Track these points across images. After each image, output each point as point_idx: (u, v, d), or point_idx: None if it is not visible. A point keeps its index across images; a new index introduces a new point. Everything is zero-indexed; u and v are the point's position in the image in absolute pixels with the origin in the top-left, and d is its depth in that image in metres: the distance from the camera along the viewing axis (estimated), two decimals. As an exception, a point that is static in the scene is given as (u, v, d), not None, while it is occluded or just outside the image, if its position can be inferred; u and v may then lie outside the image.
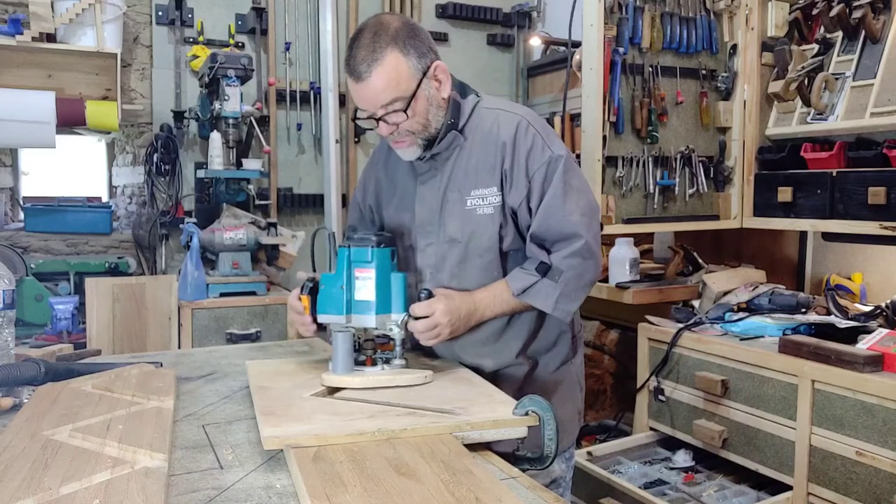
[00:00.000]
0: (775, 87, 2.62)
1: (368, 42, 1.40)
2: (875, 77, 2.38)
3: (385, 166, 1.69)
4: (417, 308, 1.45)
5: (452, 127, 1.51)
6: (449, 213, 1.54)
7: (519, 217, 1.52)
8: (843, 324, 2.20)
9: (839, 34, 2.55)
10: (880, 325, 2.18)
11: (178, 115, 3.59)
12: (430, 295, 1.46)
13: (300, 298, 1.51)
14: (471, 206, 1.52)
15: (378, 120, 1.45)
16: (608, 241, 3.07)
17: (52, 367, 1.50)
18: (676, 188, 2.76)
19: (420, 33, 1.46)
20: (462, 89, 1.56)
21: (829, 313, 2.36)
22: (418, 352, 1.63)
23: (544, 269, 1.49)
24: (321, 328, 1.51)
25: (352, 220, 1.82)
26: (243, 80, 3.29)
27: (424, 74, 1.44)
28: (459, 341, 1.55)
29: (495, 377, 1.56)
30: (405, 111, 1.43)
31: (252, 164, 3.38)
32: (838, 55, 2.54)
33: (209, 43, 3.68)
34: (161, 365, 1.67)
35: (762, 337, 2.31)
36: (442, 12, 4.30)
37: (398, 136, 1.48)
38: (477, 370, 1.56)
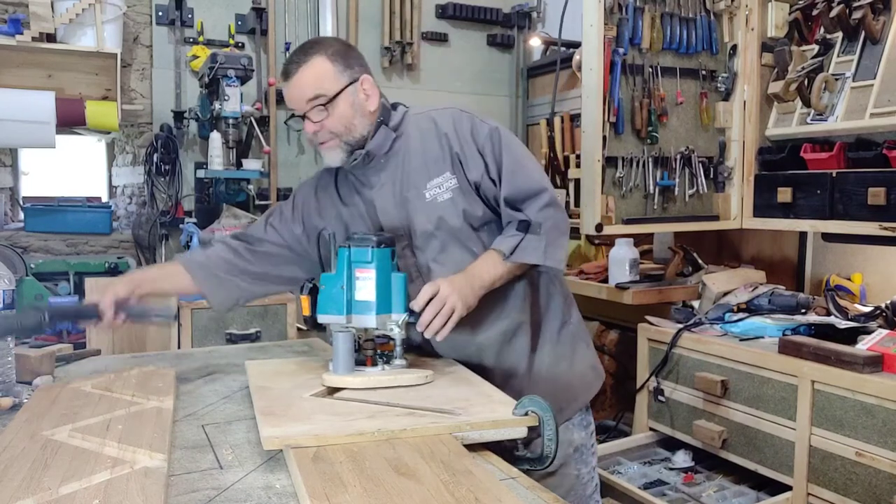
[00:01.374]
0: (775, 87, 2.62)
1: (300, 50, 1.56)
2: (875, 78, 2.38)
3: (325, 190, 1.69)
4: (424, 292, 1.43)
5: (383, 124, 1.58)
6: (413, 212, 1.58)
7: (483, 189, 1.57)
8: (842, 324, 2.20)
9: (839, 35, 2.54)
10: (880, 326, 2.18)
11: (178, 115, 3.59)
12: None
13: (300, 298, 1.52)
14: (430, 197, 1.57)
15: (304, 117, 1.54)
16: (608, 242, 3.08)
17: (57, 310, 1.46)
18: (676, 189, 2.76)
19: (352, 53, 1.59)
20: (393, 105, 1.65)
21: (828, 314, 2.36)
22: (419, 352, 1.64)
23: (525, 226, 1.54)
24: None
25: (258, 231, 1.73)
26: (243, 80, 3.30)
27: (351, 83, 1.54)
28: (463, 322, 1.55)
29: (504, 352, 1.62)
30: (325, 107, 1.52)
31: (252, 165, 3.38)
32: (838, 56, 2.54)
33: (209, 43, 3.68)
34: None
35: (762, 337, 2.31)
36: (442, 12, 4.30)
37: (322, 135, 1.55)
38: (482, 365, 1.59)
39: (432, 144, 1.58)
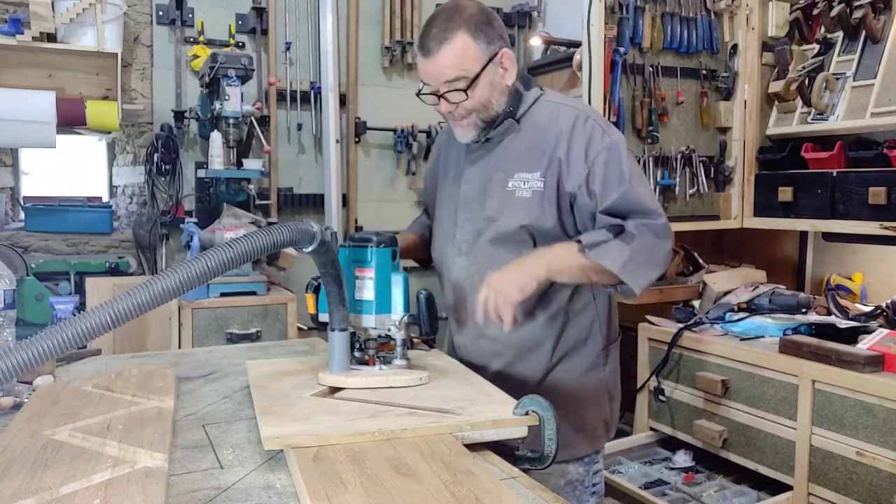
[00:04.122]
0: (776, 87, 2.62)
1: (442, 22, 1.48)
2: (875, 77, 2.38)
3: (446, 146, 1.75)
4: (479, 301, 1.43)
5: (509, 115, 1.56)
6: (490, 193, 1.58)
7: (578, 201, 1.51)
8: (843, 324, 2.20)
9: (840, 34, 2.54)
10: (880, 326, 2.18)
11: (179, 115, 3.59)
12: (429, 295, 1.49)
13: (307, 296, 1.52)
14: (511, 187, 1.55)
15: (440, 97, 1.50)
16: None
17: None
18: (677, 188, 2.76)
19: (493, 21, 1.51)
20: (527, 82, 1.60)
21: (829, 313, 2.36)
22: (421, 352, 1.64)
23: (617, 231, 1.47)
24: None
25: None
26: (244, 79, 3.29)
27: (491, 60, 1.50)
28: (494, 336, 1.57)
29: (521, 377, 1.60)
30: (465, 91, 1.48)
31: (252, 164, 3.38)
32: (839, 55, 2.54)
33: (209, 43, 3.68)
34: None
35: (762, 337, 2.31)
36: (442, 12, 4.29)
37: (458, 114, 1.52)
38: (507, 374, 1.59)
39: (542, 138, 1.54)
